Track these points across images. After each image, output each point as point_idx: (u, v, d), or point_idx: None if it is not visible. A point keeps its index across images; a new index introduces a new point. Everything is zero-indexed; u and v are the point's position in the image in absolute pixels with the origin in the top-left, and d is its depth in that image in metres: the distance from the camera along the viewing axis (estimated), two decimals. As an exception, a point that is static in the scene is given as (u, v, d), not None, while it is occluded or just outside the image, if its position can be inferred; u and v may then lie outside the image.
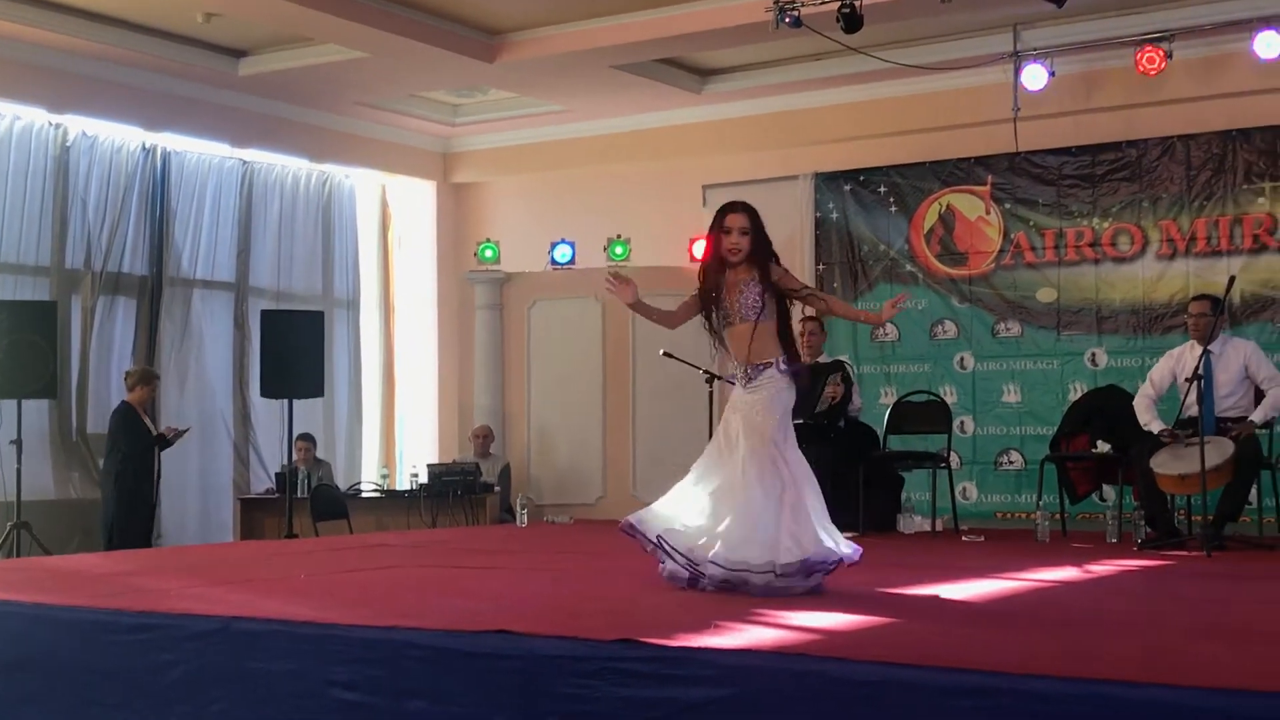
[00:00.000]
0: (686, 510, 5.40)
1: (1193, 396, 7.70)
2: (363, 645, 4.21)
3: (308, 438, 11.50)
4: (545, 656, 3.90)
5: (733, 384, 5.62)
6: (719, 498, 5.31)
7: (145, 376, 10.45)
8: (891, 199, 11.37)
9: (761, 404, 5.36)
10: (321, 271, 12.73)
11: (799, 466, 5.39)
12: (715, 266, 5.47)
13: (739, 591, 5.11)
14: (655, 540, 5.36)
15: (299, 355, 10.69)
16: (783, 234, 11.61)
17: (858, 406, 9.65)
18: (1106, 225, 10.53)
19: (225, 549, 9.63)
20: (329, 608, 4.80)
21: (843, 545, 5.32)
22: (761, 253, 5.42)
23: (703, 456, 5.52)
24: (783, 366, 5.41)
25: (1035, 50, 10.40)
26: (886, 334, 11.31)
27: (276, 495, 11.09)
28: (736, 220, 5.43)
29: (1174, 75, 10.08)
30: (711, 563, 5.14)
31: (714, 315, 5.48)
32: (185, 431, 10.62)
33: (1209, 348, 7.99)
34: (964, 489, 10.66)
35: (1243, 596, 5.57)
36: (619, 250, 11.94)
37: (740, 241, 5.41)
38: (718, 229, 5.47)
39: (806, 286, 5.59)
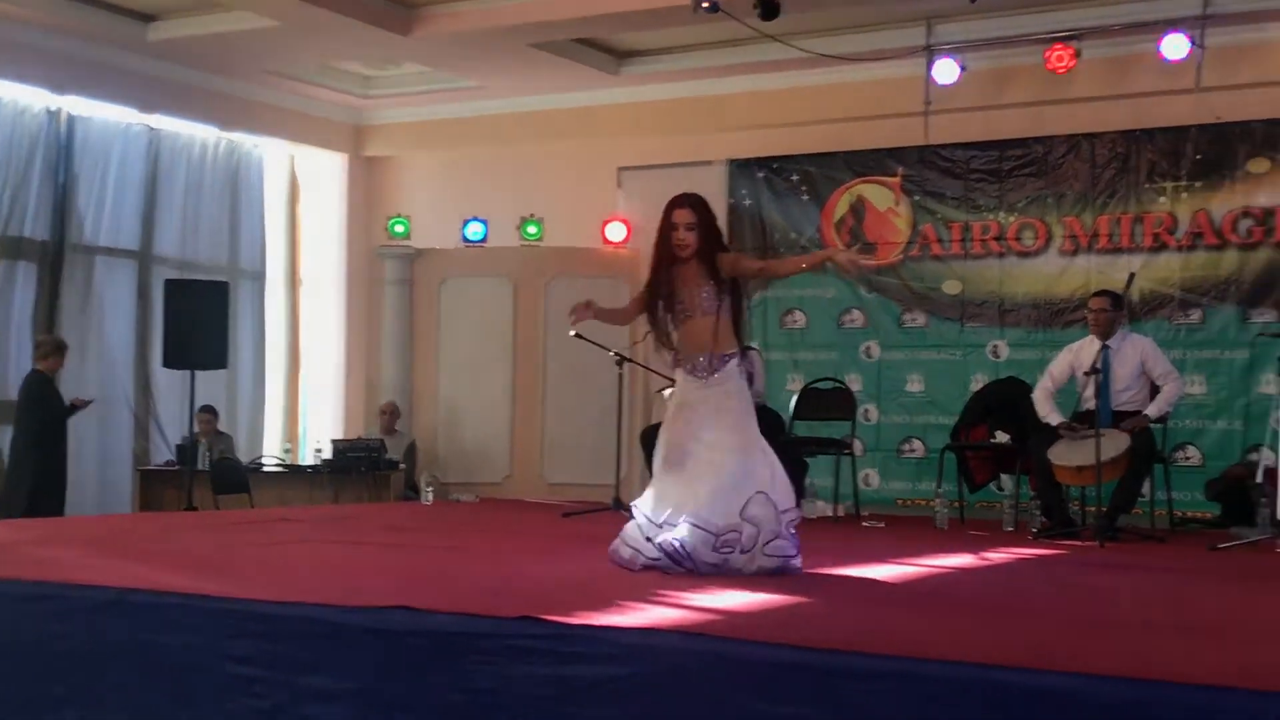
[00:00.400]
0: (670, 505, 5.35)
1: (1090, 390, 7.85)
2: (260, 619, 4.17)
3: (210, 410, 11.36)
4: (446, 633, 3.89)
5: (671, 381, 5.62)
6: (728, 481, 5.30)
7: (58, 346, 10.28)
8: (804, 187, 11.45)
9: (733, 393, 5.41)
10: (228, 242, 12.54)
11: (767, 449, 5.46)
12: (666, 261, 5.48)
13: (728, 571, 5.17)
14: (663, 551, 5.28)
15: (203, 326, 10.54)
16: (695, 218, 11.70)
17: (759, 392, 9.69)
18: (1012, 220, 10.69)
19: (123, 520, 9.49)
20: (227, 581, 4.76)
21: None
22: (711, 246, 5.43)
23: (658, 458, 5.48)
24: (739, 357, 5.47)
25: (948, 45, 10.51)
26: (795, 321, 11.40)
27: (177, 467, 10.95)
28: (683, 216, 5.45)
29: (1082, 74, 10.24)
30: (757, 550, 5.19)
31: (665, 309, 5.47)
32: (90, 402, 10.46)
33: (1107, 343, 8.16)
34: (866, 476, 10.79)
35: (1132, 587, 5.70)
36: (532, 230, 11.91)
37: (687, 237, 5.43)
38: (665, 224, 5.48)
39: (758, 261, 5.54)
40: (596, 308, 5.72)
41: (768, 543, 5.23)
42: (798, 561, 5.35)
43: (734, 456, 5.30)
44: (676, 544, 5.20)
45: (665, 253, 5.48)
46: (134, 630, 4.37)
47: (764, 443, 5.45)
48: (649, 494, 5.46)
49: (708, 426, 5.36)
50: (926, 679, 3.26)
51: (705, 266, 5.42)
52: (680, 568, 5.21)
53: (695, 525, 5.18)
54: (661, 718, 3.52)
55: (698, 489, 5.26)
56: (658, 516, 5.31)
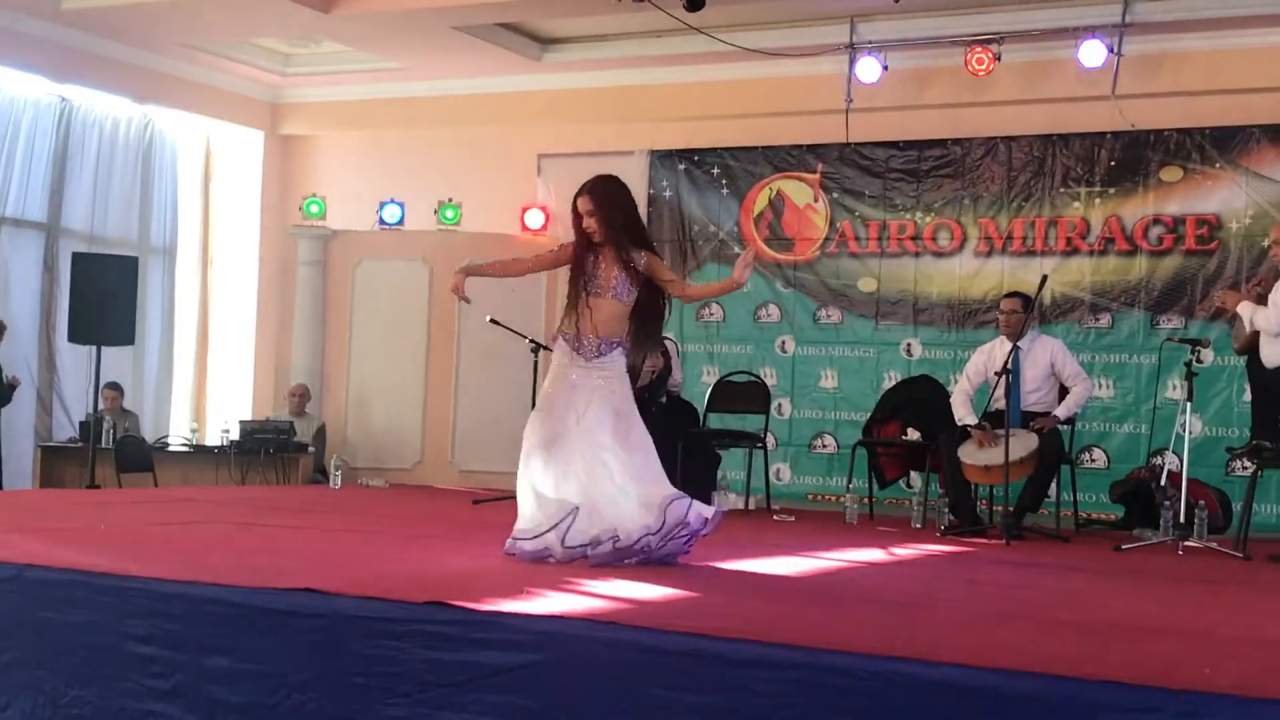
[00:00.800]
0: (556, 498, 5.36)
1: (1000, 390, 7.94)
2: (162, 599, 4.11)
3: (115, 386, 11.16)
4: (352, 616, 3.86)
5: (550, 348, 5.64)
6: (601, 482, 5.34)
7: None
8: (724, 180, 11.47)
9: (616, 380, 5.46)
10: (139, 216, 12.31)
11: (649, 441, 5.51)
12: (585, 243, 5.55)
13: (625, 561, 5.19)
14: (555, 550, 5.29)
15: (110, 301, 10.35)
16: (614, 208, 11.68)
17: (678, 382, 9.73)
18: (928, 220, 10.78)
19: (23, 496, 9.31)
20: (128, 560, 4.67)
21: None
22: (620, 232, 5.47)
23: (540, 436, 5.47)
24: (626, 347, 5.50)
25: (870, 44, 10.57)
26: (712, 314, 11.42)
27: (79, 444, 10.75)
28: (583, 203, 5.53)
29: (1001, 77, 10.34)
30: (630, 546, 5.20)
31: (584, 281, 5.52)
32: (18, 383, 10.35)
33: (1018, 344, 8.25)
34: (778, 470, 10.84)
35: (1037, 583, 5.77)
36: (449, 214, 11.82)
37: (590, 223, 5.50)
38: (574, 212, 5.57)
39: (674, 276, 5.63)
40: (471, 267, 5.84)
41: (667, 538, 5.25)
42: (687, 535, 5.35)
43: (620, 460, 5.34)
44: (594, 555, 5.21)
45: (581, 236, 5.56)
46: (32, 607, 4.28)
47: (640, 427, 5.48)
48: (536, 485, 5.42)
49: (594, 420, 5.38)
50: (831, 669, 3.28)
51: (621, 254, 5.47)
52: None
53: (613, 544, 5.20)
54: (569, 704, 3.51)
55: (600, 504, 5.28)
56: (557, 518, 5.28)
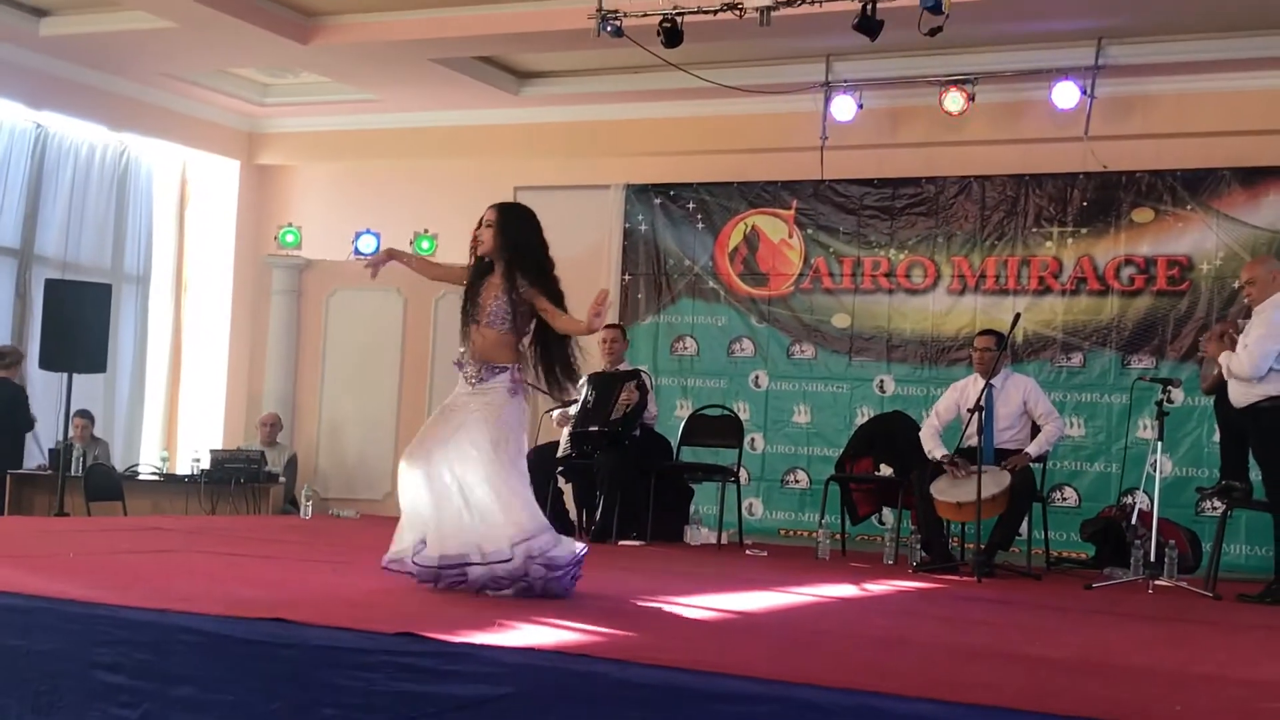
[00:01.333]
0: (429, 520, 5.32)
1: (973, 427, 7.97)
2: (130, 627, 4.08)
3: (86, 414, 11.09)
4: (322, 647, 3.83)
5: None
6: (456, 501, 5.27)
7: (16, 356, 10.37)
8: (699, 215, 11.51)
9: (497, 407, 5.36)
10: (112, 244, 12.28)
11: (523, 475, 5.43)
12: (476, 266, 5.55)
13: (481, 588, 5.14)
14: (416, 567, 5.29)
15: (82, 328, 10.31)
16: (591, 242, 11.73)
17: (653, 415, 9.73)
18: (902, 257, 10.83)
19: (-11, 524, 9.23)
20: (97, 588, 4.64)
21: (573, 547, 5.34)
22: (512, 257, 5.43)
23: (407, 451, 5.47)
24: (516, 376, 5.42)
25: (846, 82, 10.63)
26: (686, 348, 11.43)
27: (49, 472, 10.67)
28: (488, 214, 5.54)
29: (975, 118, 10.42)
30: (472, 563, 5.14)
31: (467, 306, 5.50)
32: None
33: (991, 381, 8.30)
34: (750, 505, 10.83)
35: (1008, 621, 5.78)
36: (425, 245, 11.81)
37: (484, 234, 5.49)
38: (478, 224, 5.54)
39: (550, 307, 5.45)
40: (398, 252, 5.87)
41: (531, 577, 5.16)
42: (563, 580, 5.23)
43: (483, 488, 5.23)
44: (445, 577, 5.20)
45: (472, 249, 5.55)
46: (-2, 635, 4.24)
47: (516, 460, 5.38)
48: (400, 502, 5.44)
49: (465, 444, 5.29)
50: (803, 704, 3.28)
51: (506, 280, 5.43)
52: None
53: (463, 571, 5.16)
54: (539, 738, 3.49)
55: (449, 528, 5.22)
56: (411, 538, 5.28)
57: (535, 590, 5.13)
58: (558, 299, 5.45)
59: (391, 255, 5.85)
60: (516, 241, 5.46)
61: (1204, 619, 6.24)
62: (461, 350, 5.48)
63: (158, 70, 11.54)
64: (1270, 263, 7.66)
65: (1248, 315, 7.64)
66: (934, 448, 8.46)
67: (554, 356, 5.54)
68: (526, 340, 5.48)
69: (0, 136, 11.31)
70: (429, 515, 5.27)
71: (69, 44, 10.80)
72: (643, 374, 9.66)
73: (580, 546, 5.33)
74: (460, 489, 5.24)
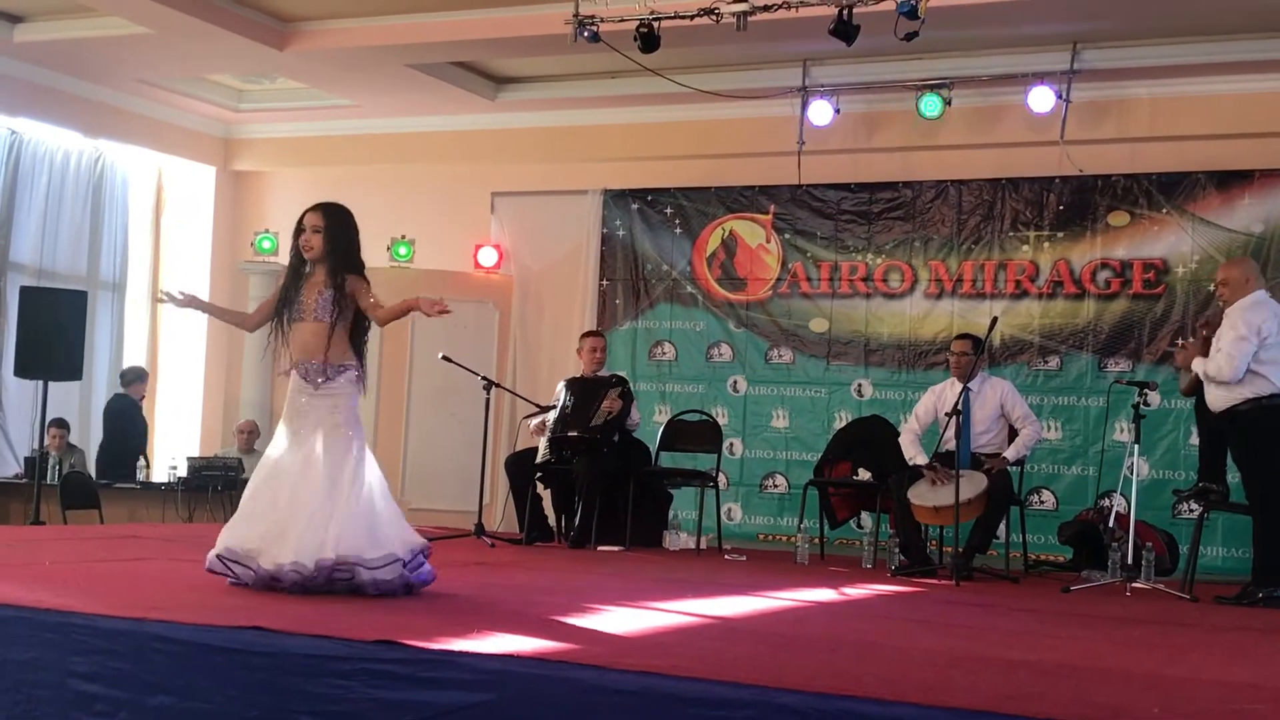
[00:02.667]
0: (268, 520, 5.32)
1: (951, 431, 7.99)
2: (107, 636, 4.06)
3: (61, 423, 11.04)
4: (299, 655, 3.82)
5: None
6: (304, 499, 5.28)
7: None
8: (677, 220, 11.51)
9: (340, 408, 5.43)
10: (88, 251, 12.23)
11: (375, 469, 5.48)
12: (297, 262, 5.61)
13: (340, 589, 5.13)
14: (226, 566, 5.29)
15: (58, 335, 10.25)
16: (568, 247, 11.73)
17: (635, 422, 9.74)
18: (879, 261, 10.85)
19: (-36, 533, 9.17)
20: (72, 596, 4.61)
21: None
22: (337, 257, 5.51)
23: (269, 461, 5.52)
24: (358, 371, 5.53)
25: (823, 87, 10.66)
26: (664, 353, 11.43)
27: (24, 480, 10.62)
28: (312, 219, 5.57)
29: (951, 122, 10.46)
30: (317, 564, 5.11)
31: (286, 310, 5.56)
32: None
33: (968, 385, 8.32)
34: (729, 509, 10.84)
35: (986, 624, 5.79)
36: (402, 251, 11.79)
37: (312, 239, 5.54)
38: (297, 227, 5.60)
39: (370, 300, 5.54)
40: (200, 300, 5.88)
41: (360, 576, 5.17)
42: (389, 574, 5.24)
43: (320, 495, 5.25)
44: (266, 574, 5.17)
45: (295, 253, 5.61)
46: (-29, 645, 4.21)
47: (358, 465, 5.38)
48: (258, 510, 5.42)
49: (307, 450, 5.34)
50: (782, 708, 3.28)
51: (330, 276, 5.50)
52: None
53: (286, 569, 5.11)
54: (519, 744, 3.49)
55: (286, 529, 5.21)
56: (246, 543, 5.26)
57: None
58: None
59: (192, 303, 5.82)
60: (347, 245, 5.58)
61: (1181, 621, 6.26)
62: (291, 357, 5.53)
63: (133, 76, 11.50)
64: (1246, 265, 7.68)
65: (1219, 320, 7.63)
66: (914, 454, 8.49)
67: (357, 336, 5.63)
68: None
69: (-27, 143, 11.26)
70: (269, 522, 5.27)
71: (44, 50, 10.75)
72: (626, 381, 9.68)
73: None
74: (303, 498, 5.27)
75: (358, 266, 5.59)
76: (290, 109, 12.43)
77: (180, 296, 5.73)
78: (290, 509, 5.25)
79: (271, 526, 5.24)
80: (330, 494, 5.25)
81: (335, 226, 5.54)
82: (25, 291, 10.52)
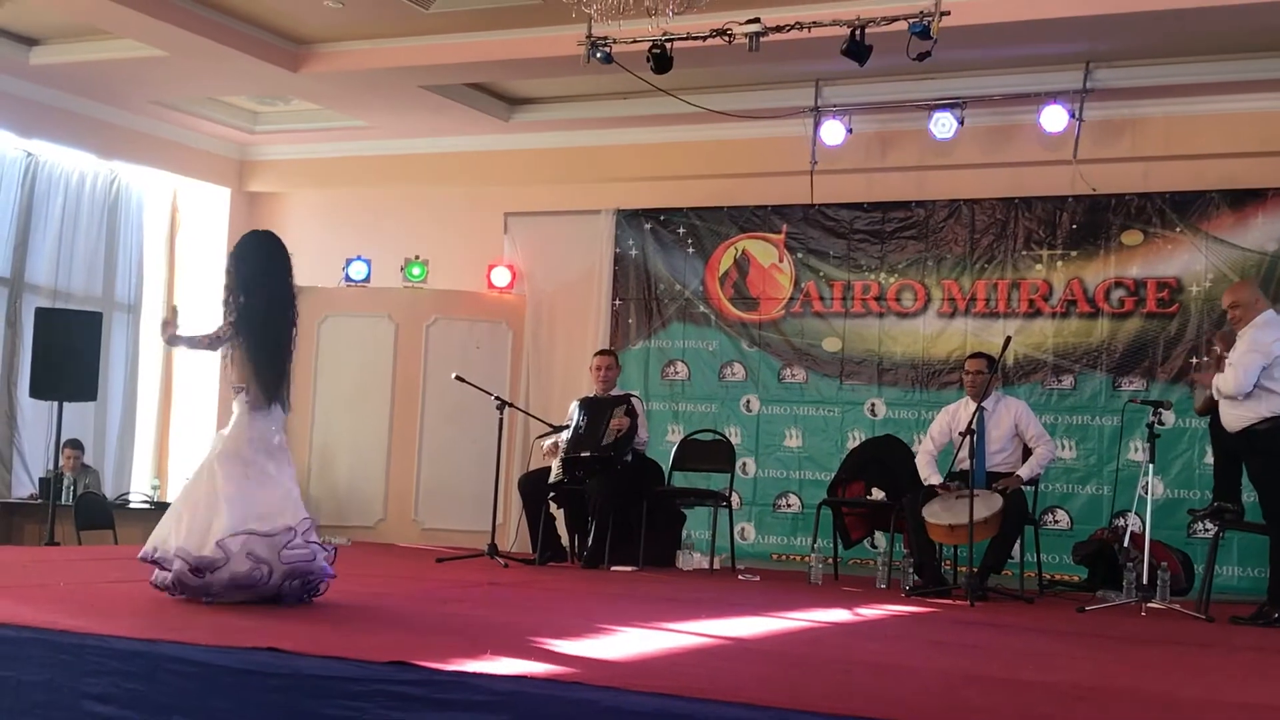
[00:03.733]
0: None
1: (965, 450, 7.97)
2: (121, 657, 4.06)
3: (76, 444, 11.06)
4: (315, 676, 3.82)
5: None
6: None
7: None
8: (690, 240, 11.52)
9: (231, 423, 5.82)
10: (103, 272, 12.27)
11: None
12: None
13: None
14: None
15: (73, 356, 10.28)
16: (581, 267, 11.76)
17: (643, 440, 9.72)
18: (892, 281, 10.85)
19: (-21, 554, 9.19)
20: (87, 617, 4.62)
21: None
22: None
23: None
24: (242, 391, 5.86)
25: (835, 107, 10.67)
26: (677, 373, 11.43)
27: (39, 501, 10.64)
28: None
29: (964, 141, 10.46)
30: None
31: None
32: None
33: (983, 404, 8.31)
34: (743, 529, 10.83)
35: (1002, 645, 5.77)
36: (416, 271, 11.81)
37: None
38: None
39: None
40: (179, 335, 6.08)
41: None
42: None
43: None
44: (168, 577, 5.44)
45: None
46: (-13, 666, 4.21)
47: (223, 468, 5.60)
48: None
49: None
50: (800, 731, 3.27)
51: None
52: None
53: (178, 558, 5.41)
54: (532, 766, 3.48)
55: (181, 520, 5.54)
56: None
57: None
58: None
59: (171, 336, 6.07)
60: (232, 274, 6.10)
61: (1197, 641, 6.23)
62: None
63: (148, 98, 11.56)
64: (1252, 286, 7.85)
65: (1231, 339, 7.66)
66: (930, 474, 8.49)
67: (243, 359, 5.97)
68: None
69: (-10, 165, 11.32)
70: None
71: (59, 72, 10.83)
72: (633, 399, 9.66)
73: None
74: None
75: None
76: (305, 130, 12.48)
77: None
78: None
79: None
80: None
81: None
82: (41, 313, 10.56)
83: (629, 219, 11.75)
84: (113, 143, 12.04)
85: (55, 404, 10.36)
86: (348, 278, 11.97)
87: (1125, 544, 8.31)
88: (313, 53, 10.47)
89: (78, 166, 12.05)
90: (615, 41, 8.46)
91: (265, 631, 4.37)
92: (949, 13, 7.74)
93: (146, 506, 11.32)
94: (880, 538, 9.78)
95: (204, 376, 12.95)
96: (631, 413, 9.40)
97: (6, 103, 11.07)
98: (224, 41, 9.90)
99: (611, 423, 9.23)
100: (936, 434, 8.78)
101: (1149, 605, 7.34)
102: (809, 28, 8.17)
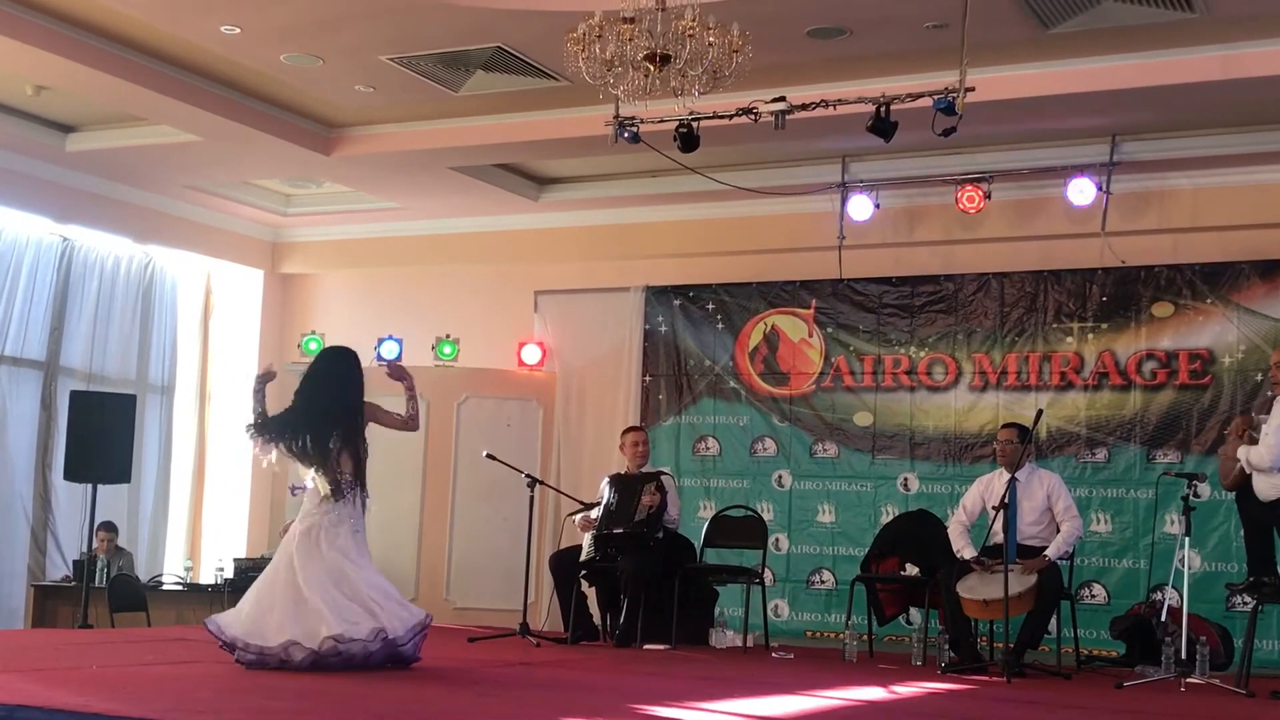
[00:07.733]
0: None
1: (999, 524, 7.92)
2: (154, 741, 4.05)
3: (109, 527, 11.09)
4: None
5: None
6: None
7: None
8: (719, 316, 11.55)
9: None
10: (137, 355, 12.37)
11: None
12: None
13: None
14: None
15: (107, 439, 10.34)
16: (611, 344, 11.80)
17: (674, 517, 9.68)
18: (923, 355, 10.84)
19: (14, 636, 9.21)
20: (119, 700, 4.61)
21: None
22: None
23: None
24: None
25: (862, 182, 10.72)
26: (708, 449, 11.42)
27: (73, 583, 10.66)
28: None
29: (992, 215, 10.48)
30: None
31: None
32: None
33: (1015, 475, 8.25)
34: (776, 606, 10.75)
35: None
36: (447, 350, 11.87)
37: None
38: None
39: None
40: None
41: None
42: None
43: None
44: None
45: None
46: (20, 750, 4.21)
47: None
48: None
49: None
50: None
51: None
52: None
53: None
54: None
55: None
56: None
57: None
58: None
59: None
60: None
61: (1237, 717, 6.14)
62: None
63: (182, 183, 11.72)
64: None
65: (1266, 409, 7.61)
66: (963, 546, 8.43)
67: None
68: None
69: (28, 251, 11.45)
70: None
71: (95, 159, 10.99)
72: (663, 475, 9.65)
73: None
74: None
75: None
76: (336, 212, 12.62)
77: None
78: None
79: None
80: None
81: None
82: (75, 396, 10.64)
83: (658, 295, 11.79)
84: (147, 227, 12.19)
85: (89, 486, 10.41)
86: (379, 357, 12.02)
87: (1163, 618, 8.21)
88: (344, 136, 10.61)
89: (113, 250, 12.20)
90: (642, 121, 8.53)
91: (298, 715, 4.36)
92: (973, 89, 7.78)
93: (179, 588, 11.32)
94: (915, 614, 9.70)
95: (237, 459, 13.02)
96: (662, 489, 9.38)
97: (43, 189, 11.23)
98: (256, 126, 10.05)
99: (643, 499, 9.21)
100: (969, 504, 8.72)
101: (1188, 680, 7.23)
102: (834, 105, 8.23)
